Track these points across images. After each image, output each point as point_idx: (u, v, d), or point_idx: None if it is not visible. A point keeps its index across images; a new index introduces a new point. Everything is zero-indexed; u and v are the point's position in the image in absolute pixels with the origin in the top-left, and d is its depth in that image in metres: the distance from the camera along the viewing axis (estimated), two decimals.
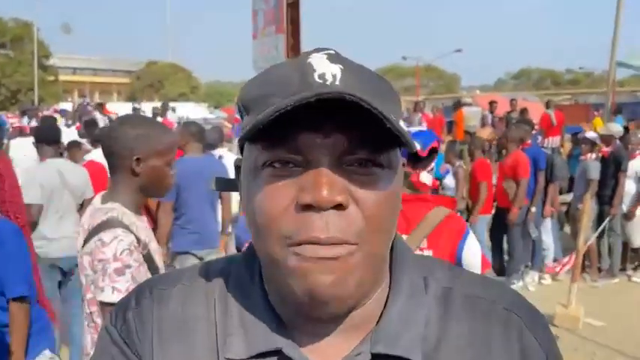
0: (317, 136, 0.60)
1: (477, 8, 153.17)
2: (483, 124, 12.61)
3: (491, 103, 13.44)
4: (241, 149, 0.67)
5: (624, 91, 21.35)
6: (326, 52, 0.63)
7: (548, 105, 12.99)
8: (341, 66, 0.61)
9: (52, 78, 41.94)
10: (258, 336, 0.66)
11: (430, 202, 2.35)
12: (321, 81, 0.59)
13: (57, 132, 4.44)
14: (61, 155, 4.44)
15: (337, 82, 0.59)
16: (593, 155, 6.76)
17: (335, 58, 0.62)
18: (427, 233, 2.24)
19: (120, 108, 17.30)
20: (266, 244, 0.62)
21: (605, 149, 6.78)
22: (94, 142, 6.36)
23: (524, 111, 12.16)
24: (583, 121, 12.17)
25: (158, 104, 17.72)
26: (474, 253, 2.27)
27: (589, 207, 5.78)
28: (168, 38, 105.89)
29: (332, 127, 0.59)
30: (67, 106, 19.49)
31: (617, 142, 6.89)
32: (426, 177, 2.38)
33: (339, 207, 0.59)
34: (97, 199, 1.98)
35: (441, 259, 0.79)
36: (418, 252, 2.32)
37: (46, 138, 4.20)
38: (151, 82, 51.20)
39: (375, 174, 0.62)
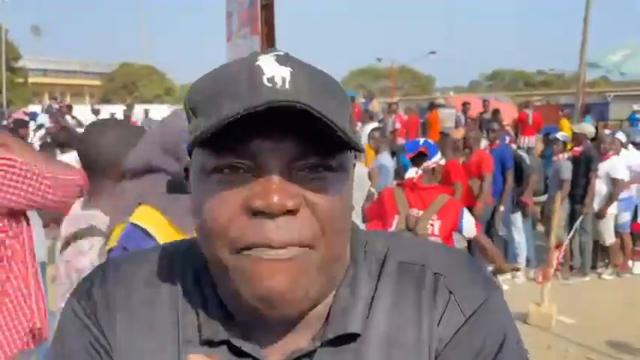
0: (267, 142, 0.59)
1: (451, 11, 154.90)
2: (457, 125, 12.74)
3: (464, 104, 13.57)
4: (189, 152, 0.66)
5: (594, 92, 21.79)
6: (275, 53, 0.62)
7: (526, 105, 13.18)
8: (290, 68, 0.60)
9: (21, 80, 41.15)
10: (210, 324, 0.67)
11: (437, 190, 3.49)
12: (270, 84, 0.58)
13: (25, 134, 4.37)
14: None
15: (287, 86, 0.58)
16: (565, 155, 6.89)
17: (284, 59, 0.61)
18: (437, 210, 3.33)
19: (83, 111, 16.60)
20: (214, 250, 0.62)
21: (577, 149, 6.92)
22: (62, 147, 6.27)
23: (496, 112, 12.32)
24: (554, 121, 12.37)
25: (144, 106, 17.46)
26: (469, 221, 3.41)
27: (559, 206, 5.89)
28: (143, 39, 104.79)
29: (282, 133, 0.59)
30: (37, 108, 19.11)
31: (588, 142, 7.04)
32: (409, 173, 3.48)
33: (291, 212, 0.59)
34: (77, 205, 1.91)
35: (390, 232, 0.81)
36: (430, 223, 3.29)
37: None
38: (124, 84, 50.58)
39: (326, 178, 0.62)
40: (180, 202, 1.46)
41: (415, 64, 51.50)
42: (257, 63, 0.60)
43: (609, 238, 6.87)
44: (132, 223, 1.44)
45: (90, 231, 1.75)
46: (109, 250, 1.49)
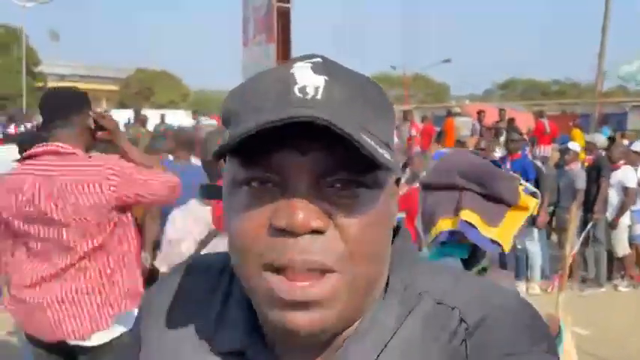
0: (295, 155, 0.56)
1: (465, 18, 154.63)
2: (473, 134, 12.68)
3: (480, 113, 13.52)
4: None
5: (610, 102, 21.59)
6: (312, 60, 0.60)
7: (541, 114, 13.10)
8: (325, 77, 0.57)
9: (40, 85, 41.68)
10: (233, 336, 0.67)
11: None
12: (301, 95, 0.55)
13: (40, 138, 4.43)
14: None
15: (318, 96, 0.55)
16: (579, 165, 6.86)
17: (320, 67, 0.58)
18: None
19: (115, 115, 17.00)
20: (242, 266, 0.60)
21: (589, 158, 6.89)
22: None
23: (511, 121, 12.26)
24: (568, 131, 12.28)
25: (151, 112, 17.61)
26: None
27: (575, 216, 5.84)
28: (158, 45, 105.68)
29: (311, 146, 0.55)
30: None
31: (600, 151, 7.02)
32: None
33: (316, 232, 0.56)
34: (194, 201, 2.53)
35: (440, 265, 0.75)
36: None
37: (32, 144, 4.19)
38: (139, 90, 51.01)
39: (358, 195, 0.57)
40: None
41: (429, 72, 51.42)
42: (291, 71, 0.58)
43: (622, 250, 6.79)
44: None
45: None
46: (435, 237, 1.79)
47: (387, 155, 0.55)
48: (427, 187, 1.90)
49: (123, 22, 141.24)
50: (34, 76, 40.44)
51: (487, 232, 1.72)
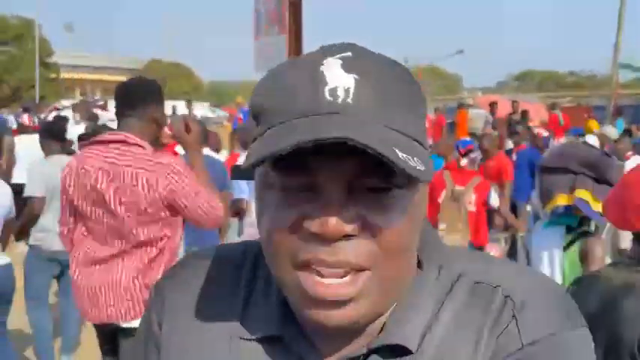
0: (328, 160, 0.56)
1: (478, 9, 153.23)
2: (485, 126, 12.60)
3: (492, 105, 13.42)
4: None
5: (627, 93, 21.32)
6: (343, 55, 0.59)
7: (554, 106, 12.98)
8: (356, 75, 0.57)
9: (53, 75, 41.95)
10: (270, 321, 0.66)
11: (474, 173, 4.97)
12: (331, 98, 0.56)
13: (63, 129, 4.61)
14: (68, 153, 4.52)
15: (349, 100, 0.56)
16: None
17: (350, 64, 0.58)
18: (473, 187, 4.76)
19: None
20: (273, 265, 0.62)
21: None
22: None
23: (524, 113, 12.16)
24: (584, 123, 12.17)
25: (172, 102, 17.67)
26: (494, 197, 4.83)
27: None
28: (171, 36, 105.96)
29: (343, 151, 0.54)
30: (69, 103, 19.46)
31: (612, 144, 6.97)
32: (462, 162, 4.94)
33: (349, 236, 0.56)
34: None
35: (468, 250, 0.77)
36: (472, 196, 4.68)
37: (52, 134, 4.35)
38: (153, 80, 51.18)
39: (390, 198, 0.58)
40: None
41: (442, 64, 51.13)
42: (321, 69, 0.57)
43: (624, 242, 6.73)
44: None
45: None
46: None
47: (420, 167, 0.54)
48: (545, 170, 2.53)
49: (136, 13, 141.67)
50: (48, 66, 40.67)
51: (597, 207, 2.26)
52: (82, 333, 4.52)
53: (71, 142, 7.03)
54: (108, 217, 2.47)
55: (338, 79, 0.56)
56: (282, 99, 0.58)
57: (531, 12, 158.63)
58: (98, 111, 13.92)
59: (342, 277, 0.57)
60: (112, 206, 2.44)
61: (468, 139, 5.46)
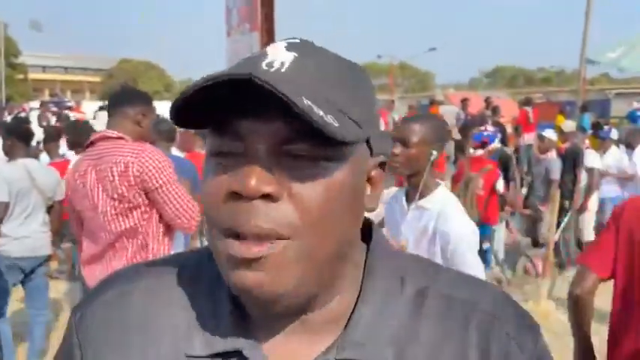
0: (255, 123, 0.57)
1: (450, 6, 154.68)
2: (457, 122, 12.74)
3: (463, 101, 13.58)
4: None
5: (595, 89, 21.77)
6: (291, 40, 0.62)
7: (527, 102, 13.16)
8: (296, 54, 0.59)
9: (21, 76, 41.13)
10: (219, 335, 0.64)
11: (486, 162, 5.68)
12: (266, 68, 0.57)
13: (29, 131, 4.38)
14: (34, 157, 4.41)
15: (283, 70, 0.57)
16: (554, 153, 6.93)
17: (295, 45, 0.60)
18: (484, 173, 5.36)
19: (92, 107, 17.00)
20: (209, 233, 0.62)
21: (563, 146, 7.02)
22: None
23: (495, 109, 12.32)
24: (553, 119, 12.39)
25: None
26: (500, 183, 5.62)
27: (556, 204, 5.91)
28: (141, 35, 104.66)
29: (271, 116, 0.56)
30: (37, 104, 19.09)
31: (574, 139, 7.15)
32: (477, 152, 5.81)
33: (269, 198, 0.56)
34: None
35: (420, 256, 0.76)
36: (480, 182, 5.28)
37: (18, 136, 4.12)
38: (124, 80, 50.57)
39: (318, 167, 0.58)
40: None
41: (415, 61, 51.54)
42: (267, 49, 0.60)
43: (588, 235, 6.86)
44: None
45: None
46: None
47: (331, 122, 0.54)
48: None
49: (106, 12, 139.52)
50: (14, 67, 39.84)
51: None
52: (52, 339, 4.45)
53: (38, 146, 6.90)
54: (94, 212, 2.56)
55: (278, 54, 0.58)
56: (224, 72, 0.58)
57: (502, 8, 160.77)
58: (69, 112, 13.70)
59: (261, 243, 0.57)
60: (96, 200, 2.54)
61: (485, 132, 6.05)
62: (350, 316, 0.64)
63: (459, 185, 5.32)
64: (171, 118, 0.59)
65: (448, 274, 0.71)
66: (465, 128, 7.55)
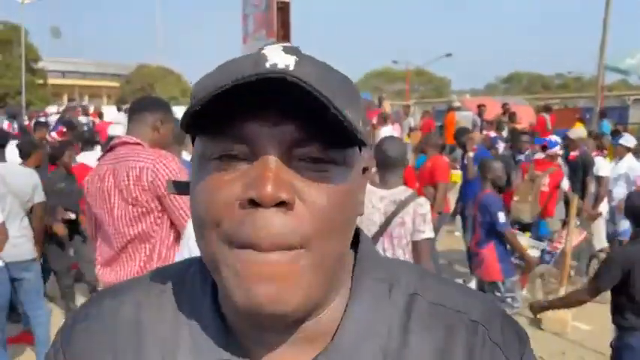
0: (266, 126, 0.54)
1: (467, 13, 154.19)
2: (473, 128, 12.67)
3: (480, 107, 13.48)
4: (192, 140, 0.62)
5: (613, 95, 21.52)
6: (283, 44, 0.59)
7: (545, 109, 13.05)
8: (296, 57, 0.55)
9: (40, 81, 41.67)
10: (205, 348, 0.62)
11: (549, 164, 6.35)
12: (272, 69, 0.53)
13: (3, 135, 4.35)
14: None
15: (289, 70, 0.53)
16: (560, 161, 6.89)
17: (291, 50, 0.57)
18: (549, 173, 6.18)
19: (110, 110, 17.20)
20: (208, 243, 0.57)
21: (573, 154, 6.96)
22: (84, 145, 6.34)
23: (512, 115, 12.23)
24: (571, 125, 12.28)
25: None
26: (565, 183, 6.34)
27: (573, 211, 5.85)
28: (158, 41, 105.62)
29: (282, 116, 0.54)
30: (56, 109, 19.33)
31: (584, 146, 7.09)
32: (538, 155, 6.88)
33: (284, 205, 0.54)
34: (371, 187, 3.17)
35: (409, 262, 0.75)
36: (546, 179, 6.20)
37: None
38: (141, 86, 51.01)
39: (327, 171, 0.56)
40: None
41: (431, 67, 51.43)
42: (262, 52, 0.56)
43: (599, 243, 6.76)
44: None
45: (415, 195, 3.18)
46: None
47: (361, 127, 0.54)
48: None
49: (125, 18, 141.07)
50: (35, 72, 40.39)
51: None
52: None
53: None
54: (110, 215, 2.61)
55: (278, 57, 0.54)
56: (223, 77, 0.54)
57: (519, 14, 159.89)
58: (81, 116, 13.84)
59: (276, 250, 0.54)
60: (112, 203, 2.59)
61: (552, 139, 6.58)
62: (338, 325, 0.63)
63: (524, 181, 6.18)
64: (182, 124, 0.56)
65: (437, 282, 0.70)
66: (459, 133, 7.55)
